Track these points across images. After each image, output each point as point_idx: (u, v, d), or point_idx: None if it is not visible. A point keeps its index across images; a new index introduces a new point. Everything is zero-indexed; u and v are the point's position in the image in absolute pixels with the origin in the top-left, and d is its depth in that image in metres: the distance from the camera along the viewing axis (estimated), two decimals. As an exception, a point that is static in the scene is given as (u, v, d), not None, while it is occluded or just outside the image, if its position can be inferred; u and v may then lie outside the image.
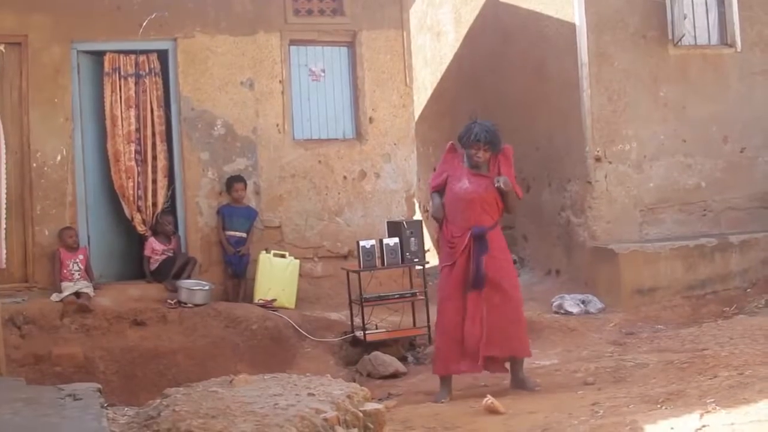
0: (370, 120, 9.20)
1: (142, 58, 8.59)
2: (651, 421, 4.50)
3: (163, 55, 8.72)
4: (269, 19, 8.94)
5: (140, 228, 8.59)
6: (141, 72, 8.58)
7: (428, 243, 8.29)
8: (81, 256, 8.05)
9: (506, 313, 5.86)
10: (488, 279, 5.83)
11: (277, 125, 8.91)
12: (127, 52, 8.55)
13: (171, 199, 8.75)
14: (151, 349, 7.29)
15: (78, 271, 7.95)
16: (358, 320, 7.59)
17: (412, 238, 7.76)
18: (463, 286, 5.88)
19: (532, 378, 6.07)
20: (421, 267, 8.00)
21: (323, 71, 9.26)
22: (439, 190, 6.11)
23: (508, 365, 6.05)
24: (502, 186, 5.82)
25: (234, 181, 8.59)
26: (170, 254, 8.43)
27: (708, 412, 4.46)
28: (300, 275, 8.56)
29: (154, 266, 8.41)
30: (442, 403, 5.78)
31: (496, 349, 5.86)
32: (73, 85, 8.44)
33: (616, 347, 7.21)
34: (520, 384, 5.96)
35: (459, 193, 5.93)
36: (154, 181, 8.64)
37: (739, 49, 9.39)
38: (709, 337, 6.90)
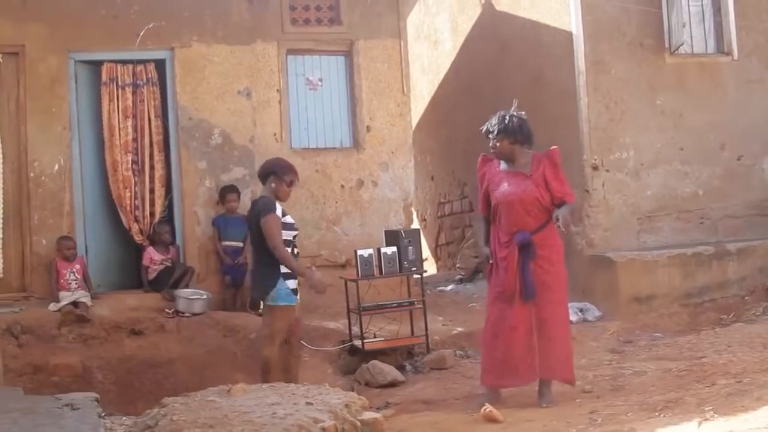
0: (368, 129, 9.21)
1: (139, 67, 8.60)
2: (649, 429, 4.49)
3: (160, 65, 8.74)
4: (266, 29, 8.96)
5: (138, 237, 8.60)
6: (138, 81, 8.59)
7: (426, 252, 8.27)
8: (78, 266, 8.04)
9: (546, 332, 5.55)
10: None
11: (275, 134, 8.92)
12: (124, 62, 8.57)
13: (168, 208, 8.76)
14: (148, 358, 7.28)
15: (75, 280, 7.94)
16: (356, 329, 7.58)
17: (410, 247, 7.75)
18: (509, 294, 5.60)
19: (551, 395, 5.66)
20: (419, 276, 8.01)
21: (320, 80, 9.28)
22: (487, 213, 5.83)
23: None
24: (560, 226, 5.47)
25: (227, 192, 8.58)
26: (168, 264, 8.43)
27: (706, 419, 4.46)
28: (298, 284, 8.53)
29: (152, 276, 8.40)
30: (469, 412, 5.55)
31: (541, 371, 5.57)
32: (70, 94, 8.45)
33: (614, 355, 7.20)
34: (540, 395, 5.63)
35: (499, 198, 5.69)
36: (152, 191, 8.64)
37: (735, 58, 9.40)
38: (707, 344, 6.89)
